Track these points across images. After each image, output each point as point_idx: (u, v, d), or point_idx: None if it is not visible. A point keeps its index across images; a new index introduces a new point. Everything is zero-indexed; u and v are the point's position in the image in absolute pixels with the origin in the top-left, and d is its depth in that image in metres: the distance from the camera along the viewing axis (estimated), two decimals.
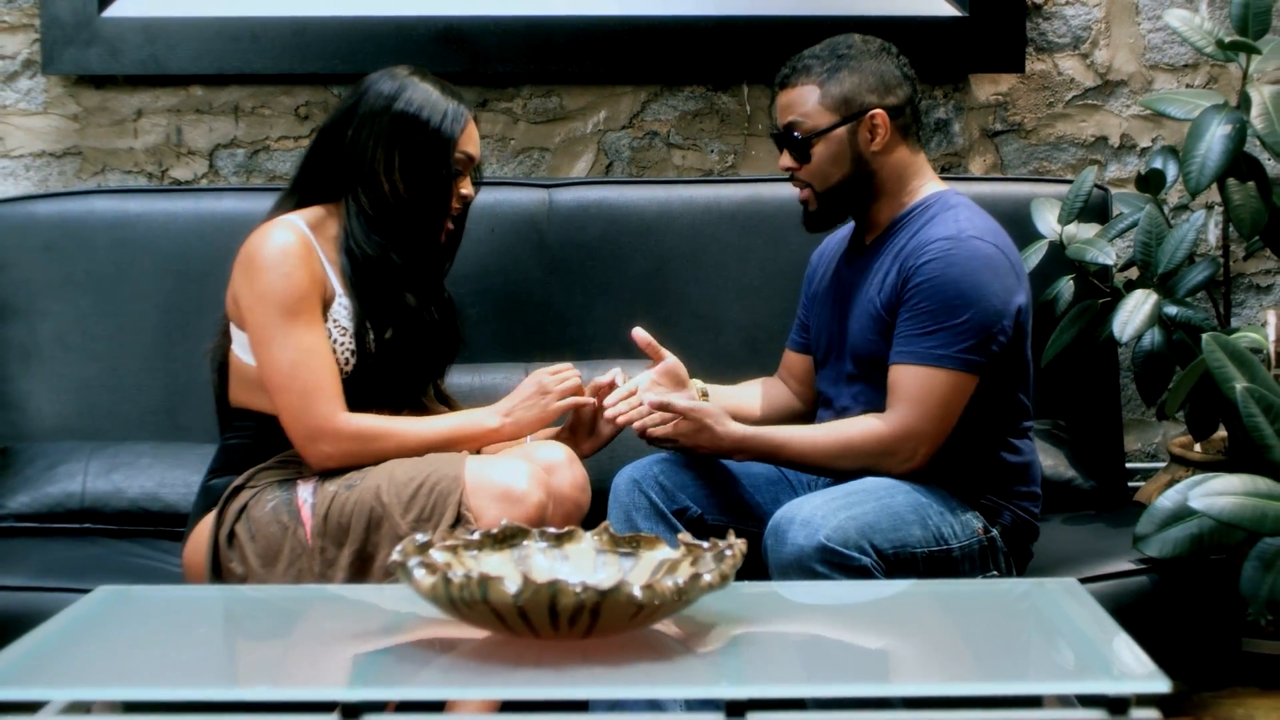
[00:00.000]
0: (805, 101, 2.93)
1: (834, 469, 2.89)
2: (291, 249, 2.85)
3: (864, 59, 2.94)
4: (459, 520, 2.71)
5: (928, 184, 2.99)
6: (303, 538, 2.78)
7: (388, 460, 2.82)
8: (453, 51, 3.80)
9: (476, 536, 2.37)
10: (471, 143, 2.97)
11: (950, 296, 2.81)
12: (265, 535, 2.80)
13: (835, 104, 2.92)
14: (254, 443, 2.92)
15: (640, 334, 3.01)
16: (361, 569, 2.76)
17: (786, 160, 2.97)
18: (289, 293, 2.83)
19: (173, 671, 2.24)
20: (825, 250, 3.16)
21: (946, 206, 2.92)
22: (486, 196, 3.60)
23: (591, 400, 2.99)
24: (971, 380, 2.83)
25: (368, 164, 2.92)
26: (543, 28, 3.82)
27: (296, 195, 2.98)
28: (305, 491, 2.82)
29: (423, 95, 2.93)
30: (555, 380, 2.96)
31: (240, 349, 2.92)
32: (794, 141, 2.94)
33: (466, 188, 2.98)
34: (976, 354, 2.82)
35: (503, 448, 2.97)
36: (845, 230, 3.11)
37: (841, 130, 2.92)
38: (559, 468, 2.86)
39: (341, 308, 2.89)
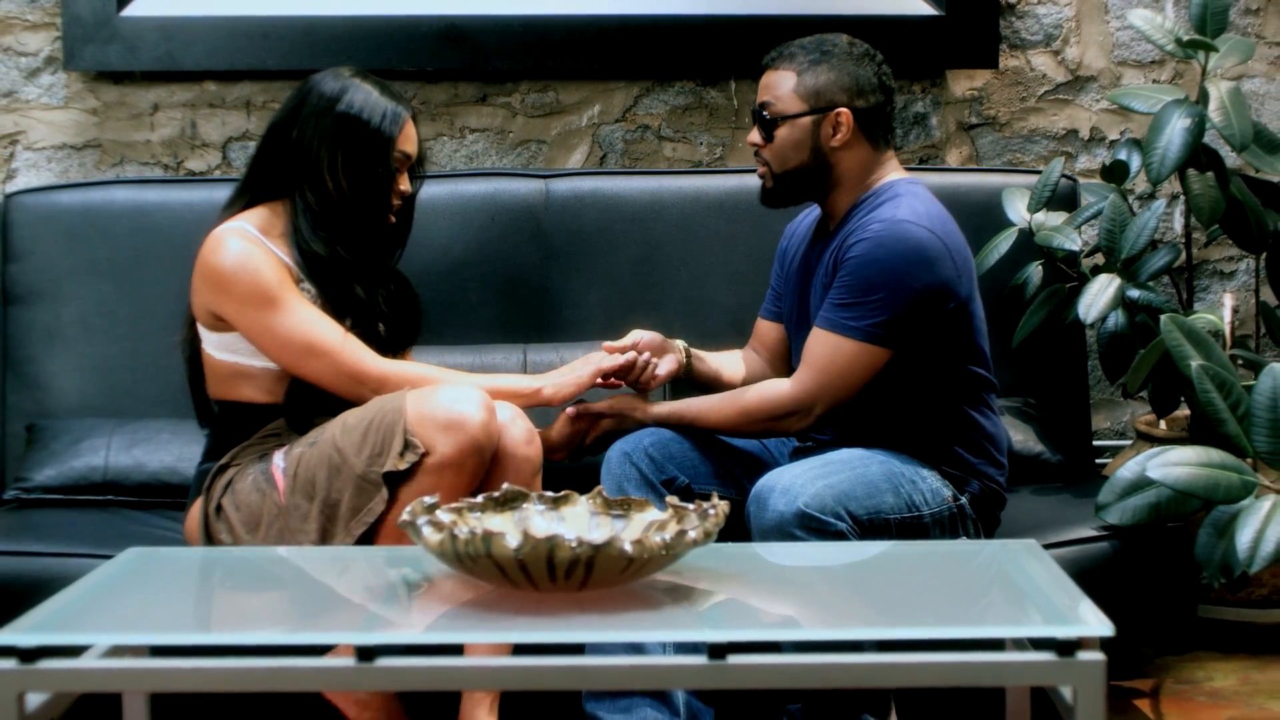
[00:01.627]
0: (781, 85, 3.04)
1: (741, 433, 3.06)
2: (247, 249, 2.94)
3: (845, 60, 3.04)
4: (407, 446, 2.79)
5: (887, 175, 3.07)
6: (277, 500, 2.88)
7: None
8: (454, 48, 3.86)
9: (480, 499, 2.49)
10: (409, 142, 3.04)
11: (871, 274, 2.92)
12: (247, 504, 2.90)
13: (807, 94, 3.02)
14: (236, 432, 3.01)
15: (609, 348, 3.12)
16: (330, 516, 2.84)
17: (754, 135, 3.08)
18: (264, 285, 2.92)
19: (200, 620, 2.39)
20: (796, 231, 3.25)
21: (894, 195, 3.01)
22: (487, 186, 3.70)
23: (627, 357, 3.07)
24: (878, 352, 2.94)
25: (312, 162, 2.99)
26: (540, 26, 3.88)
27: (247, 195, 3.05)
28: (279, 458, 2.92)
29: (364, 96, 3.00)
30: (600, 355, 3.09)
31: (210, 347, 3.01)
32: (763, 120, 3.05)
33: (405, 184, 3.06)
34: (885, 329, 2.93)
35: None
36: (814, 214, 3.20)
37: (807, 120, 3.02)
38: (506, 426, 2.90)
39: (305, 292, 2.99)
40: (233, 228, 2.99)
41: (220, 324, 2.99)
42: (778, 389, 3.02)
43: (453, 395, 2.84)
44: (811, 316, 3.07)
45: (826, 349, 2.97)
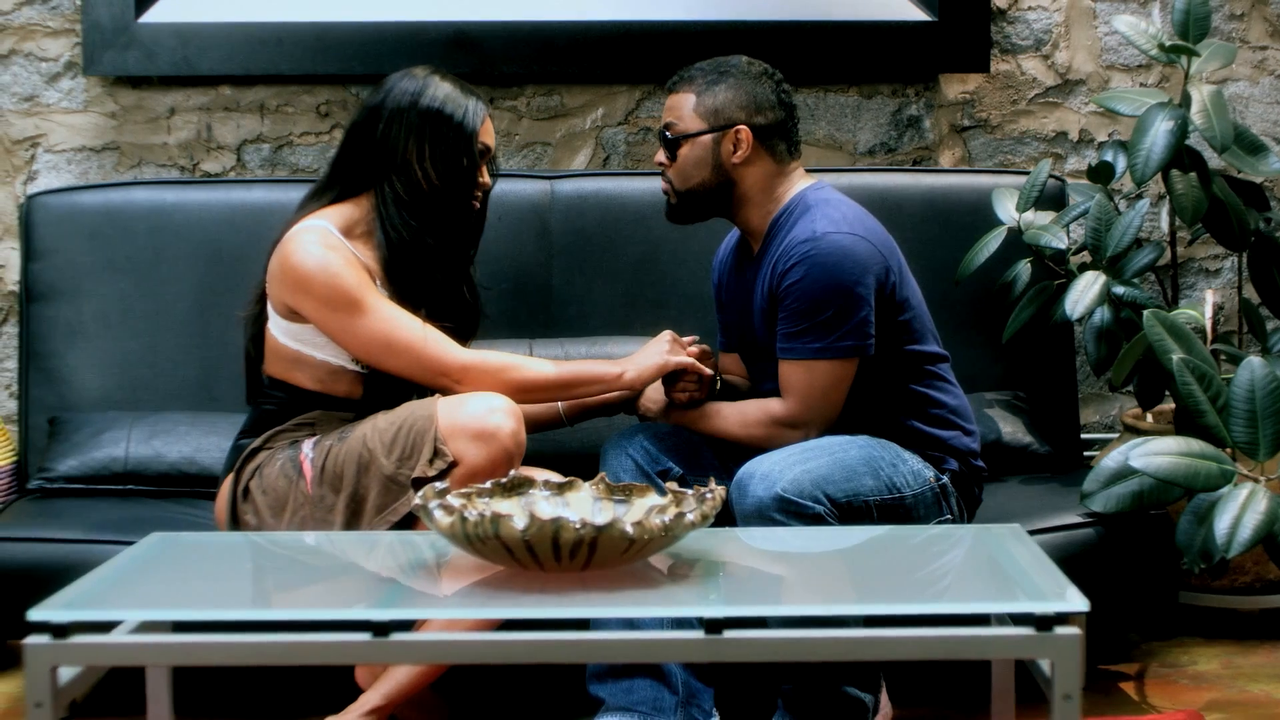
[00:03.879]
0: (682, 106, 3.12)
1: (743, 444, 3.11)
2: (327, 254, 3.00)
3: (743, 79, 3.11)
4: (436, 454, 2.88)
5: (794, 186, 3.13)
6: (304, 489, 2.96)
7: (520, 389, 3.01)
8: (462, 53, 3.93)
9: (488, 485, 2.59)
10: (489, 135, 3.14)
11: (814, 295, 3.00)
12: (274, 489, 2.99)
13: (707, 113, 3.10)
14: (282, 410, 3.08)
15: (692, 351, 3.16)
16: (356, 511, 2.93)
17: (660, 156, 3.16)
18: (345, 288, 2.99)
19: (222, 598, 2.48)
20: (723, 259, 3.32)
21: (805, 208, 3.08)
22: (494, 187, 3.82)
23: (708, 373, 3.13)
24: (849, 364, 3.04)
25: (400, 155, 3.06)
26: (545, 31, 3.96)
27: (335, 189, 3.11)
28: (308, 447, 3.00)
29: (445, 92, 3.09)
30: (686, 341, 3.15)
31: (277, 331, 3.08)
32: (667, 140, 3.13)
33: (484, 176, 3.15)
34: (849, 339, 3.02)
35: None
36: (733, 239, 3.27)
37: (707, 138, 3.09)
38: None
39: (383, 293, 3.05)
40: (314, 227, 3.05)
41: (295, 316, 3.05)
42: (777, 411, 3.08)
43: (484, 405, 2.92)
44: (759, 340, 3.15)
45: (802, 377, 3.05)
